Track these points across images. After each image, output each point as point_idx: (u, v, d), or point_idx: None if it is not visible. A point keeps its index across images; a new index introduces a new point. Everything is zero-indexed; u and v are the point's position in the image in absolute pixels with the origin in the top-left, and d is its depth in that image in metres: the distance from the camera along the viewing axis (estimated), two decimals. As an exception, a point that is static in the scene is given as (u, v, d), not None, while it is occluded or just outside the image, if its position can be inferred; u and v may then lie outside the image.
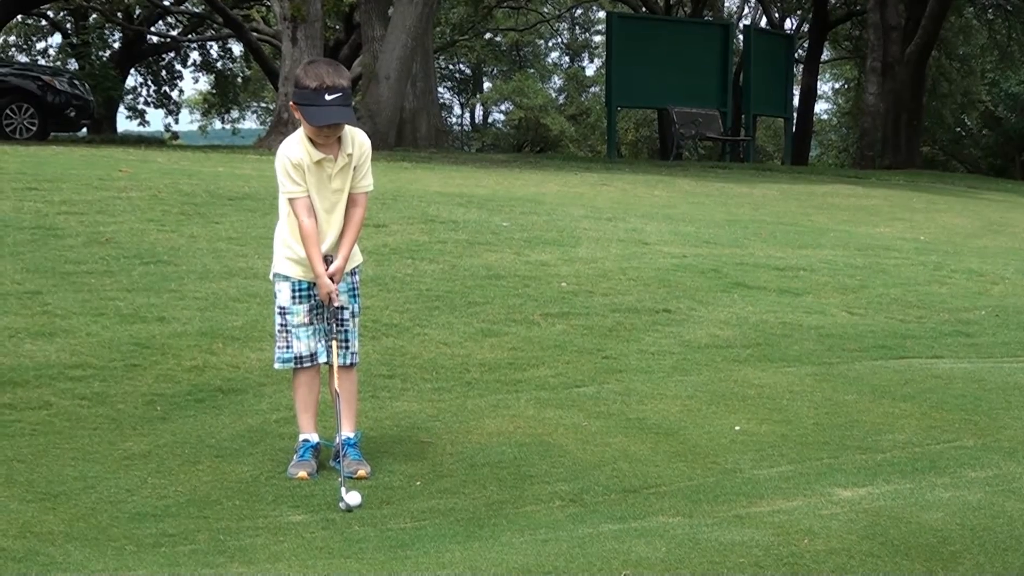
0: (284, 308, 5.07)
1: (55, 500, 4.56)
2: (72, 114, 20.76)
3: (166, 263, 8.20)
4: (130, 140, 28.33)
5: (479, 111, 60.91)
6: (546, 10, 50.06)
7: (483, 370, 6.60)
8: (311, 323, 5.07)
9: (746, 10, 52.67)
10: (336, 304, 5.01)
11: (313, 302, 5.07)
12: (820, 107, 54.55)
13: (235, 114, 55.28)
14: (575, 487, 4.80)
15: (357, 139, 5.04)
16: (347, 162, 4.99)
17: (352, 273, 5.15)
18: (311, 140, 4.94)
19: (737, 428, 5.60)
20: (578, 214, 11.69)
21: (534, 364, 6.76)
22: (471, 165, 18.67)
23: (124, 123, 48.31)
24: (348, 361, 5.13)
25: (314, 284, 5.03)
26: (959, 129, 48.54)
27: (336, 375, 5.05)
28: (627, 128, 50.55)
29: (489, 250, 9.48)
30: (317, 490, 4.76)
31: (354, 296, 5.16)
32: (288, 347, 5.08)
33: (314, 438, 5.08)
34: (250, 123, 57.93)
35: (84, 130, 27.09)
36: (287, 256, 5.06)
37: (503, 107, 56.40)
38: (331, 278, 4.95)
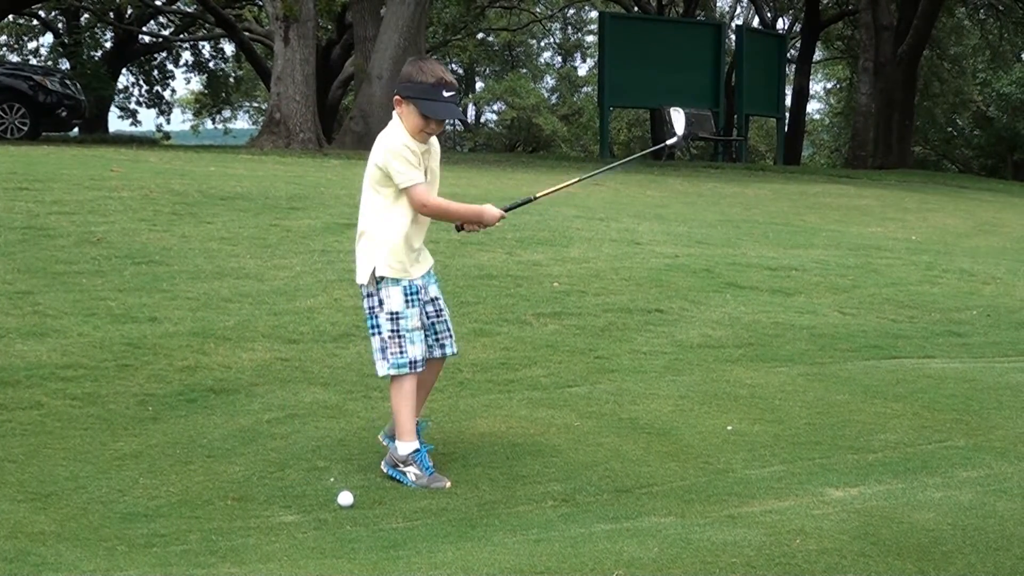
0: (398, 313, 4.95)
1: (46, 500, 4.55)
2: (63, 114, 20.75)
3: (158, 263, 8.19)
4: (122, 140, 28.33)
5: (472, 111, 60.85)
6: (538, 10, 50.02)
7: (475, 370, 6.60)
8: (422, 327, 5.04)
9: (738, 10, 52.79)
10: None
11: (423, 305, 5.04)
12: (812, 107, 54.62)
13: (227, 114, 55.24)
14: (567, 487, 4.80)
15: (433, 142, 5.11)
16: (431, 151, 5.06)
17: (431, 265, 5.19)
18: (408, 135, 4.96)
19: (729, 428, 5.61)
20: (570, 214, 11.70)
21: (526, 364, 6.76)
22: (464, 165, 18.68)
23: (116, 123, 48.16)
24: (455, 349, 5.21)
25: (419, 287, 5.01)
26: (951, 129, 48.58)
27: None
28: (619, 128, 50.56)
29: (481, 250, 9.48)
30: (309, 490, 4.76)
31: (438, 287, 5.21)
32: (402, 352, 4.96)
33: (423, 444, 5.05)
34: (242, 123, 57.90)
35: (76, 130, 27.09)
36: (394, 261, 4.96)
37: (495, 107, 56.39)
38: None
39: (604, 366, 6.81)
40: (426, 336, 5.07)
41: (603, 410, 5.90)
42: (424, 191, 4.95)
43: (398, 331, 4.97)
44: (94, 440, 5.28)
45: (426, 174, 4.99)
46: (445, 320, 5.13)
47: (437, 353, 5.14)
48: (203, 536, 4.26)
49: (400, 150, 4.90)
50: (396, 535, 4.27)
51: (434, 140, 5.11)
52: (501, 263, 9.07)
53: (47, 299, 7.21)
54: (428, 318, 5.09)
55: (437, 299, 5.12)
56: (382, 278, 4.96)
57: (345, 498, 4.58)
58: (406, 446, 4.94)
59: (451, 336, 5.16)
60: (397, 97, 4.97)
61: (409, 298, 4.99)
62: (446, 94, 4.89)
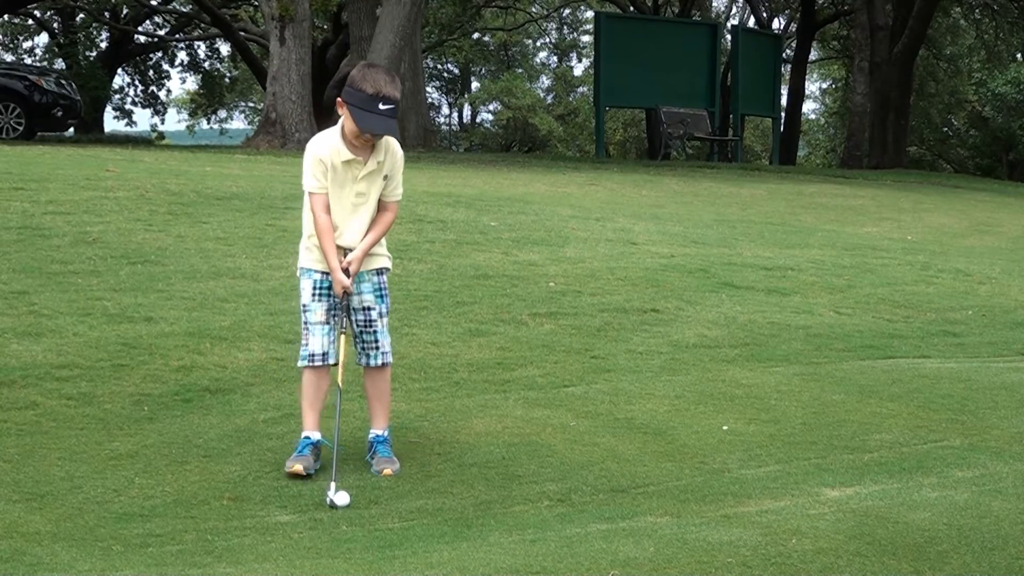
0: (305, 305, 5.10)
1: (42, 500, 4.54)
2: (59, 114, 20.71)
3: (153, 263, 8.18)
4: (117, 140, 28.28)
5: (467, 111, 60.89)
6: (534, 10, 50.04)
7: (471, 370, 6.60)
8: (327, 322, 5.09)
9: (734, 10, 52.80)
10: (350, 298, 5.02)
11: (332, 301, 5.08)
12: (808, 107, 54.66)
13: (223, 114, 55.22)
14: (563, 487, 4.80)
15: (391, 147, 5.07)
16: (376, 168, 5.02)
17: (379, 273, 5.16)
18: (345, 139, 4.97)
19: (725, 428, 5.61)
20: (566, 214, 11.70)
21: (522, 364, 6.76)
22: (459, 165, 18.68)
23: (111, 123, 48.24)
24: (380, 361, 5.18)
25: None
26: (946, 129, 48.65)
27: (364, 375, 5.23)
28: (615, 128, 50.59)
29: (477, 250, 9.48)
30: (305, 490, 4.76)
31: (381, 297, 5.16)
32: (306, 344, 5.10)
33: (315, 436, 5.08)
34: (238, 123, 57.87)
35: (71, 130, 27.02)
36: (310, 253, 5.09)
37: (491, 107, 56.36)
38: (347, 270, 4.97)
39: (600, 366, 6.81)
40: (354, 342, 5.17)
41: (599, 410, 5.90)
42: (319, 201, 5.00)
43: (306, 323, 5.11)
44: (89, 440, 5.27)
45: (352, 185, 4.98)
46: (373, 332, 5.14)
47: (363, 361, 5.19)
48: (199, 536, 4.25)
49: (309, 157, 5.03)
50: (392, 535, 4.27)
51: (392, 147, 5.07)
52: (497, 263, 9.07)
53: (42, 299, 7.20)
54: (357, 326, 5.14)
55: (370, 309, 5.12)
56: (300, 269, 5.12)
57: (341, 498, 4.58)
58: (302, 432, 5.11)
59: (377, 349, 5.16)
60: (339, 99, 4.99)
61: (317, 292, 5.08)
62: (383, 107, 4.85)
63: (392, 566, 3.88)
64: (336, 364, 5.17)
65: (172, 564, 3.95)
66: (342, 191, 5.00)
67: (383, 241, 5.18)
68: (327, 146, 4.99)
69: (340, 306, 5.06)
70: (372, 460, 5.07)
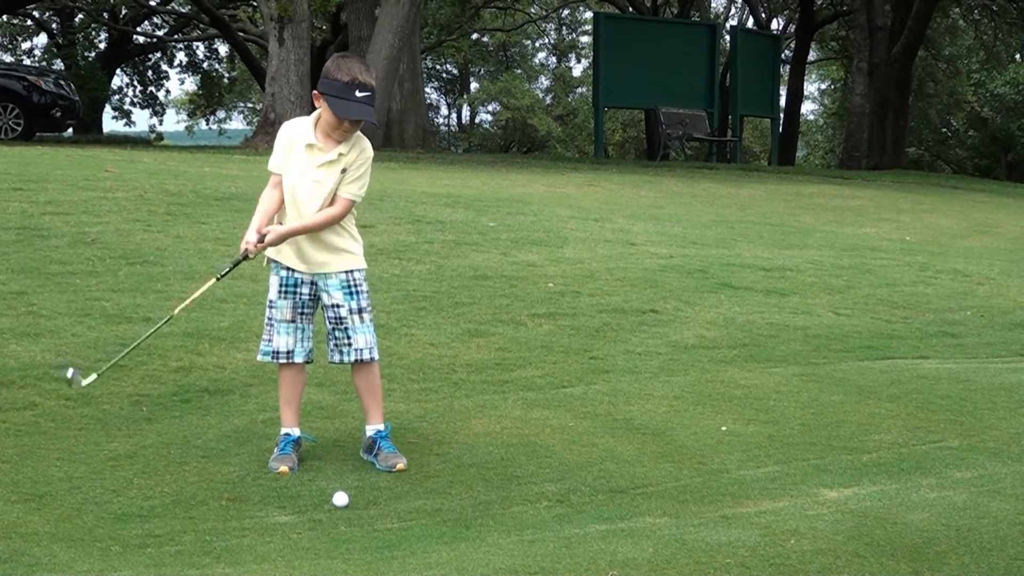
0: (271, 302, 5.14)
1: (40, 501, 4.54)
2: (58, 114, 20.71)
3: (152, 263, 8.18)
4: (116, 140, 28.27)
5: (466, 111, 60.88)
6: (533, 10, 50.04)
7: (470, 371, 6.60)
8: (293, 320, 5.11)
9: (733, 10, 52.80)
10: (250, 256, 5.01)
11: (299, 299, 5.10)
12: (806, 108, 54.72)
13: (221, 114, 55.20)
14: (562, 488, 4.80)
15: (359, 144, 5.08)
16: (335, 159, 5.02)
17: (348, 271, 5.15)
18: (319, 130, 5.01)
19: (724, 428, 5.61)
20: (565, 214, 11.70)
21: (521, 365, 6.76)
22: (458, 165, 18.67)
23: (110, 123, 48.20)
24: (353, 358, 5.15)
25: (301, 280, 5.08)
26: (945, 130, 48.68)
27: (353, 371, 5.22)
28: (614, 128, 50.59)
29: (476, 250, 9.48)
30: (304, 491, 4.76)
31: (351, 294, 5.13)
32: (269, 340, 5.15)
33: (295, 432, 5.14)
34: (237, 123, 57.86)
35: (70, 130, 27.00)
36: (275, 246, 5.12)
37: (490, 107, 56.38)
38: (264, 237, 4.97)
39: (599, 367, 6.81)
40: (327, 339, 5.19)
41: (598, 411, 5.90)
42: (274, 178, 5.11)
43: (270, 319, 5.15)
44: (88, 440, 5.27)
45: (312, 172, 5.01)
46: (345, 329, 5.13)
47: (336, 358, 5.20)
48: (197, 537, 4.25)
49: (277, 137, 5.13)
50: (390, 536, 4.27)
51: (361, 144, 5.08)
52: (496, 264, 9.08)
53: (41, 299, 7.20)
54: (329, 323, 5.17)
55: (339, 307, 5.11)
56: (272, 263, 5.16)
57: (340, 499, 4.58)
58: (281, 429, 5.17)
59: (349, 346, 5.14)
60: (315, 92, 5.03)
61: (283, 290, 5.11)
62: (359, 94, 4.89)
63: (391, 567, 3.89)
64: (311, 362, 5.24)
65: (171, 565, 3.95)
66: (304, 176, 5.03)
67: (356, 241, 5.18)
68: (295, 128, 5.08)
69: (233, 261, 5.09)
70: (377, 458, 5.06)
